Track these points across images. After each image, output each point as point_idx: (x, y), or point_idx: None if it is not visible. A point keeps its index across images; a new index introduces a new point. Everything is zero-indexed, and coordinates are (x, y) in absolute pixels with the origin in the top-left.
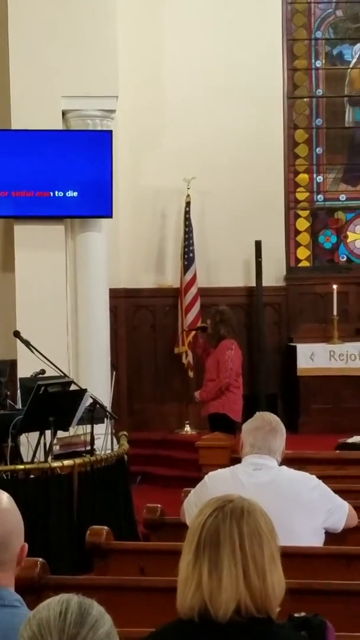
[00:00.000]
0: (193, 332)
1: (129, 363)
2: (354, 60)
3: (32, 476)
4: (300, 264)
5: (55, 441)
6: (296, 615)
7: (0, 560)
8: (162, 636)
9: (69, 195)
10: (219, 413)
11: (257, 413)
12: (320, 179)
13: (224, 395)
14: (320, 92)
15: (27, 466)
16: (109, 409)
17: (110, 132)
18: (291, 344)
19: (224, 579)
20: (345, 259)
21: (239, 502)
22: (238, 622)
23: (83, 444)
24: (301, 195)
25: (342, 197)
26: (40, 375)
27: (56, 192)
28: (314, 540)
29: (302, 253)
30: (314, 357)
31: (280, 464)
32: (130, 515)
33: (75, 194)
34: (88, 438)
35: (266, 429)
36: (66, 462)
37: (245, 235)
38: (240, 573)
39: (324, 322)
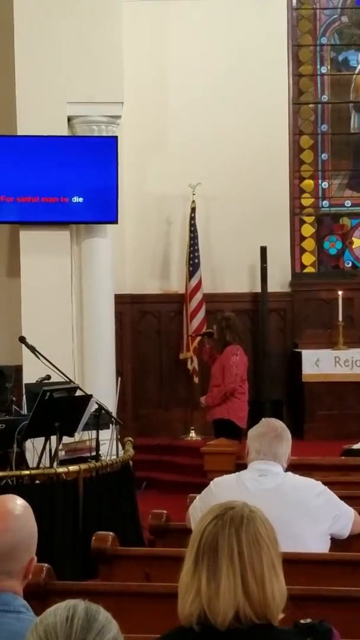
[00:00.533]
0: (198, 338)
1: (134, 369)
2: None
3: (37, 482)
4: (306, 270)
5: (60, 447)
6: (302, 621)
7: (7, 570)
8: None
9: (75, 201)
10: (223, 419)
11: (263, 419)
12: (325, 184)
13: (229, 400)
14: (325, 98)
15: (33, 472)
16: (114, 414)
17: (116, 138)
18: (296, 349)
19: (222, 587)
20: (350, 264)
21: (239, 509)
22: (239, 629)
23: (88, 450)
24: (306, 201)
25: (348, 203)
26: (46, 381)
27: (61, 198)
28: (320, 546)
29: (308, 259)
30: (319, 363)
31: (286, 470)
32: (135, 521)
33: (81, 199)
34: (93, 444)
35: (272, 435)
36: (71, 468)
37: (250, 241)
38: (238, 581)
39: (329, 328)
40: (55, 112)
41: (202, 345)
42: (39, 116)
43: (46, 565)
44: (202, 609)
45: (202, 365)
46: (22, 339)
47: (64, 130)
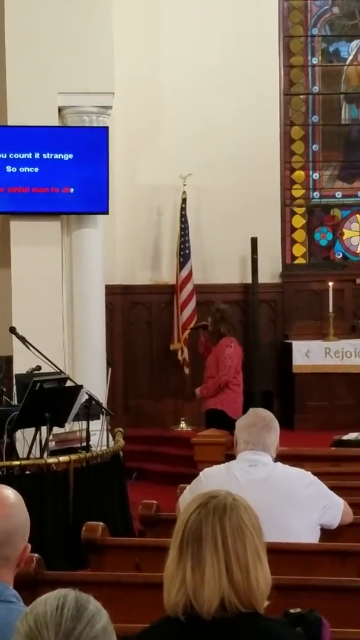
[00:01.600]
0: (189, 330)
1: (124, 359)
2: (351, 57)
3: (27, 472)
4: (296, 261)
5: (50, 437)
6: (292, 611)
7: (3, 556)
8: (151, 634)
9: (65, 191)
10: (216, 409)
11: (251, 409)
12: (316, 176)
13: (222, 392)
14: (316, 89)
15: (23, 462)
16: (104, 405)
17: (107, 128)
18: (287, 340)
19: (206, 575)
20: (341, 256)
21: (222, 498)
22: (225, 618)
23: (79, 440)
24: (297, 192)
25: (338, 194)
26: (36, 372)
27: (52, 189)
28: (309, 536)
29: (298, 250)
30: (309, 354)
31: (276, 460)
32: (125, 512)
33: (72, 190)
34: (84, 434)
35: (260, 425)
36: (62, 458)
37: (241, 232)
38: (222, 569)
39: (320, 319)
40: (46, 103)
41: (196, 337)
42: (29, 106)
43: (36, 555)
44: (187, 598)
45: (192, 356)
46: (13, 330)
47: (54, 121)
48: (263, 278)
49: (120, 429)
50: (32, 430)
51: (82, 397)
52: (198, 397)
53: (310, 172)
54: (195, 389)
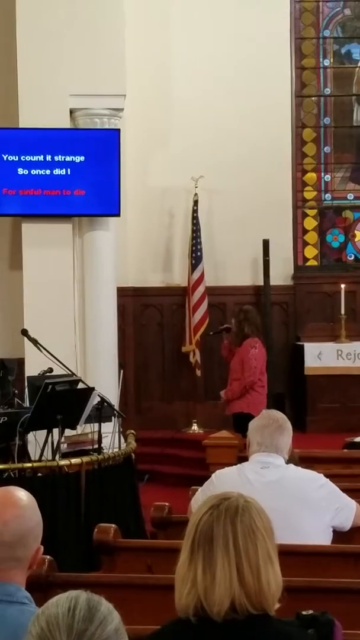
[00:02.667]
0: (200, 331)
1: (136, 361)
2: None
3: (39, 474)
4: (308, 263)
5: (62, 439)
6: (304, 613)
7: (16, 557)
8: (161, 636)
9: (77, 193)
10: (243, 413)
11: (264, 411)
12: (328, 177)
13: (248, 394)
14: (328, 90)
15: (35, 464)
16: (116, 407)
17: (118, 130)
18: (299, 342)
19: (217, 576)
20: (352, 257)
21: (234, 500)
22: (236, 620)
23: (90, 443)
24: (309, 194)
25: (350, 196)
26: (48, 374)
27: (64, 191)
28: (322, 538)
29: (310, 252)
30: (321, 356)
31: (288, 461)
32: (137, 514)
33: (83, 192)
34: (95, 436)
35: (273, 426)
36: (74, 461)
37: (252, 234)
38: (234, 570)
39: (332, 321)
40: (58, 105)
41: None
42: (41, 109)
43: (48, 557)
44: (198, 599)
45: (204, 358)
46: (25, 332)
47: (66, 123)
48: (275, 280)
49: (132, 431)
50: (44, 432)
51: (94, 399)
52: (223, 399)
53: (322, 174)
54: (220, 391)
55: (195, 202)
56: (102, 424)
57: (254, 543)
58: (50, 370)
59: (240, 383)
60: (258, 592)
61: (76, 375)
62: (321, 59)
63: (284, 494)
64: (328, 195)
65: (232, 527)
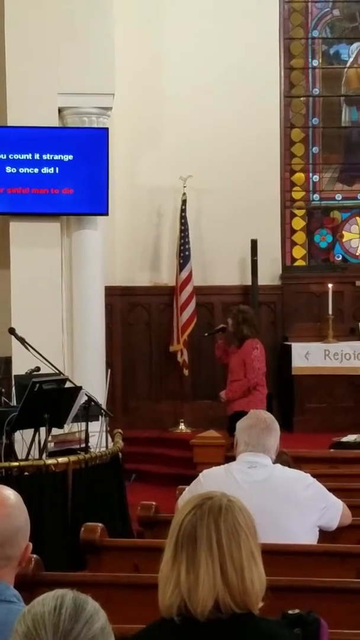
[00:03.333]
0: (188, 331)
1: (124, 361)
2: (351, 59)
3: (26, 473)
4: (296, 263)
5: (49, 438)
6: (290, 612)
7: (5, 555)
8: (146, 636)
9: (65, 192)
10: (244, 412)
11: (251, 411)
12: (316, 178)
13: (250, 394)
14: (317, 91)
15: (22, 463)
16: (103, 406)
17: (107, 129)
18: (286, 342)
19: (201, 576)
20: (340, 258)
21: (217, 499)
22: (220, 620)
23: (78, 442)
24: (297, 194)
25: (338, 196)
26: (35, 373)
27: (52, 190)
28: (308, 538)
29: (298, 252)
30: (309, 356)
31: (275, 462)
32: (124, 513)
33: (72, 191)
34: (83, 435)
35: (260, 427)
36: (61, 460)
37: (241, 234)
38: (217, 569)
39: (319, 321)
40: (46, 103)
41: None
42: (29, 107)
43: (35, 556)
44: (182, 600)
45: (192, 357)
46: (12, 331)
47: (54, 122)
48: (263, 280)
49: (120, 430)
50: (31, 431)
51: (82, 398)
52: (223, 400)
53: (310, 175)
54: (220, 392)
55: (184, 202)
56: (89, 423)
57: (238, 542)
58: (38, 369)
59: (242, 384)
60: (242, 591)
61: (63, 374)
62: (310, 60)
63: (271, 494)
64: (316, 196)
65: (215, 526)
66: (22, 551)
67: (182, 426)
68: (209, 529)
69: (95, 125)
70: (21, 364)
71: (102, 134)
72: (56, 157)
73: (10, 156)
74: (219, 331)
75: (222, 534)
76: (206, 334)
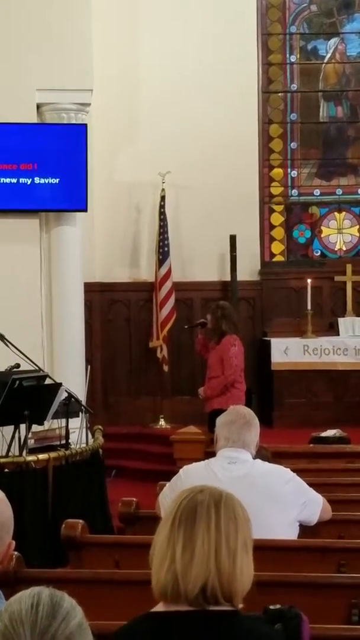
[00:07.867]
0: (167, 327)
1: (103, 357)
2: (329, 55)
3: (6, 470)
4: (275, 259)
5: (30, 435)
6: (271, 607)
7: None
8: (127, 632)
9: (44, 188)
10: (222, 409)
11: (231, 407)
12: (294, 173)
13: (228, 391)
14: (294, 86)
15: (2, 460)
16: (83, 402)
17: (85, 125)
18: (265, 338)
19: (196, 554)
20: (319, 253)
21: (217, 489)
22: (203, 616)
23: (58, 438)
24: (276, 189)
25: (317, 192)
26: (15, 369)
27: (32, 182)
28: (289, 533)
29: (277, 248)
30: (288, 352)
31: (255, 457)
32: (105, 509)
33: (50, 186)
34: (63, 432)
35: (240, 422)
36: (41, 456)
37: (219, 230)
38: (212, 550)
39: (298, 317)
40: (24, 99)
41: (195, 335)
42: (7, 103)
43: (16, 553)
44: (175, 579)
45: (171, 353)
46: None
47: (33, 118)
48: (242, 275)
49: (100, 427)
50: (11, 428)
51: (61, 395)
52: (202, 397)
53: (289, 170)
54: (198, 388)
55: (163, 198)
56: (69, 419)
57: (235, 528)
58: (17, 365)
59: (220, 381)
60: (231, 577)
61: (43, 371)
62: (288, 55)
63: (251, 489)
64: (295, 191)
65: (215, 509)
66: (5, 548)
67: (162, 422)
68: (209, 509)
69: (73, 122)
70: (0, 360)
71: (81, 130)
72: (34, 153)
73: None
74: (198, 325)
75: (222, 516)
76: (186, 327)
